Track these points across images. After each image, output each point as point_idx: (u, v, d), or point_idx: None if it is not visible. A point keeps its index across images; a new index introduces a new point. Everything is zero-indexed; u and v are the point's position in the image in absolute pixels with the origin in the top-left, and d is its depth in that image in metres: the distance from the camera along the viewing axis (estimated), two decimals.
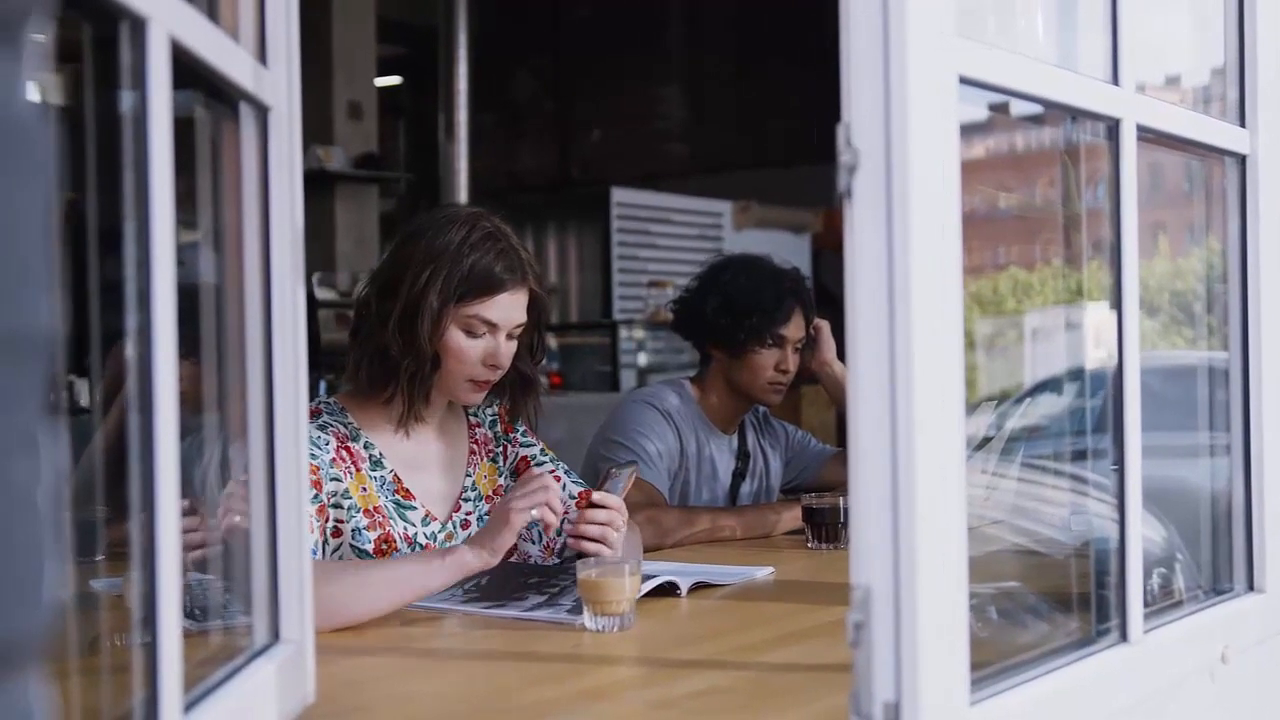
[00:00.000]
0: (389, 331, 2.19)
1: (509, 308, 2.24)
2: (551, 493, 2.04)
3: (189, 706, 1.10)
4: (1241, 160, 1.85)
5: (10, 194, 0.51)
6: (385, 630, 1.92)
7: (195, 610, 1.35)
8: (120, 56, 1.00)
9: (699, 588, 2.21)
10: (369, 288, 2.27)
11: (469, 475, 2.38)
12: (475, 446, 2.41)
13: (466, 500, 2.36)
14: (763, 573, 2.38)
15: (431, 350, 2.20)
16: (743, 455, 3.18)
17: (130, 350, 1.01)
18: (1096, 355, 1.94)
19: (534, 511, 2.01)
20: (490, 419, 2.46)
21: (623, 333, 7.60)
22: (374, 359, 2.22)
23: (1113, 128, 1.55)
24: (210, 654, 1.33)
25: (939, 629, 1.19)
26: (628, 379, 7.42)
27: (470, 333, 2.22)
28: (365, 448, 2.25)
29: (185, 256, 1.08)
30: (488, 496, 2.39)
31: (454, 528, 2.31)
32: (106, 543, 1.32)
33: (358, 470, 2.21)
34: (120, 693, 1.12)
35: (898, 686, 1.18)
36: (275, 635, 1.38)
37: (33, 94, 0.56)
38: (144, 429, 1.01)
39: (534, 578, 2.17)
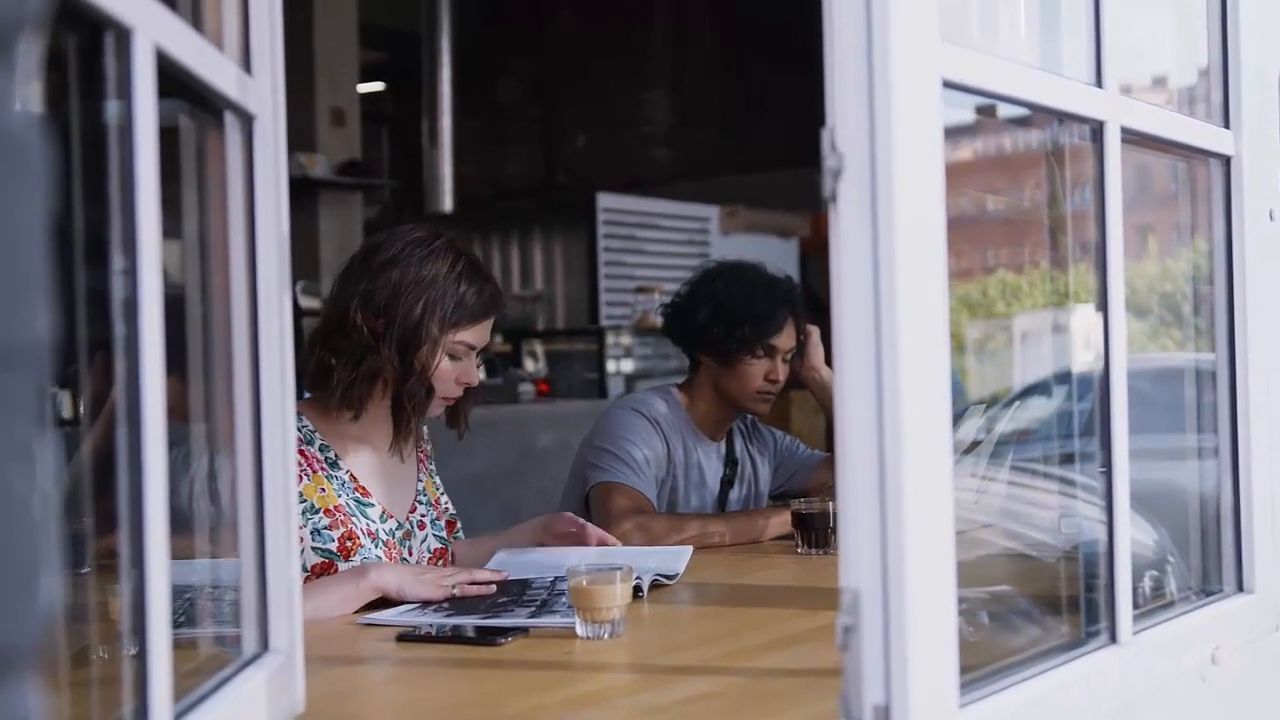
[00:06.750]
0: (383, 357, 2.26)
1: (488, 331, 2.37)
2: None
3: (178, 716, 1.09)
4: (1226, 161, 1.86)
5: (7, 205, 0.51)
6: (374, 641, 1.92)
7: (180, 619, 1.34)
8: (105, 65, 1.00)
9: (656, 586, 2.24)
10: (352, 305, 2.28)
11: (419, 481, 2.47)
12: (422, 457, 2.51)
13: (420, 503, 2.45)
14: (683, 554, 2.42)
15: (429, 376, 2.29)
16: (731, 462, 3.17)
17: (117, 361, 1.01)
18: (1085, 358, 1.94)
19: (455, 590, 2.15)
20: (426, 435, 2.55)
21: (610, 339, 7.57)
22: (363, 380, 2.28)
23: (1097, 130, 1.55)
24: (199, 664, 1.33)
25: (928, 631, 1.19)
26: (615, 386, 7.39)
27: (453, 357, 2.32)
28: (321, 450, 2.31)
29: (169, 266, 1.08)
30: (434, 503, 2.49)
31: (411, 526, 2.41)
32: (93, 555, 1.32)
33: (314, 473, 2.27)
34: (107, 704, 1.11)
35: (887, 689, 1.18)
36: (264, 645, 1.37)
37: (26, 105, 0.56)
38: (131, 439, 1.00)
39: (502, 597, 2.14)
